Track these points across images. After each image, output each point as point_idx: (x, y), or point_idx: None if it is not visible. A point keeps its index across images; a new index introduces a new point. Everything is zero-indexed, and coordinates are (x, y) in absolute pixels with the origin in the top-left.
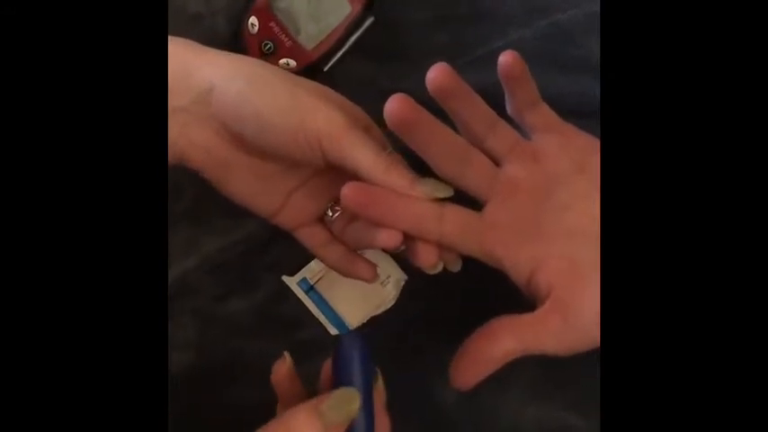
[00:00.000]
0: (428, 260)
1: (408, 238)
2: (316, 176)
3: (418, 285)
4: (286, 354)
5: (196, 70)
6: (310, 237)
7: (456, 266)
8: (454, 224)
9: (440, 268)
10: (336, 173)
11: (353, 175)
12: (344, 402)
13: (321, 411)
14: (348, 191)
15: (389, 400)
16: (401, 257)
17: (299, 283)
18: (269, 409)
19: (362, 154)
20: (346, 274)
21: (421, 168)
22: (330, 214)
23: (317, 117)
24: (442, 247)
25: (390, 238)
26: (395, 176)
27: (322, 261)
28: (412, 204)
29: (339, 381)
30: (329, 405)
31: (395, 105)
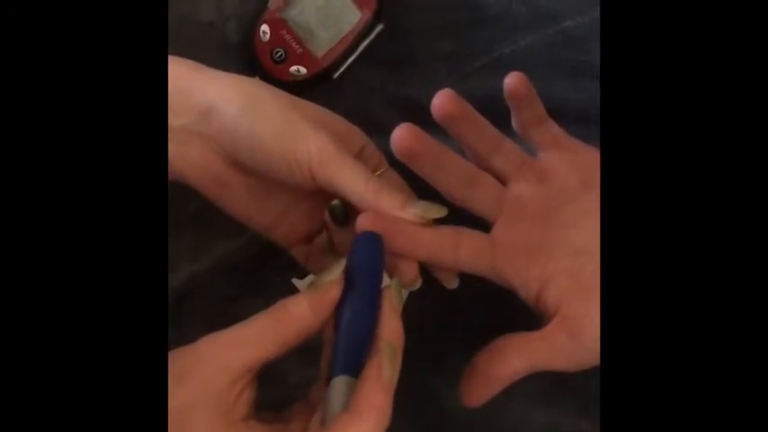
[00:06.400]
0: (409, 275)
1: (391, 253)
2: (310, 198)
3: (426, 290)
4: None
5: (197, 90)
6: (305, 255)
7: (453, 284)
8: (469, 249)
9: (418, 285)
10: (330, 195)
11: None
12: (331, 269)
13: (313, 282)
14: (364, 221)
15: (395, 403)
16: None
17: (308, 286)
18: (281, 410)
19: (351, 179)
20: None
21: (424, 184)
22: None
23: (309, 142)
24: (453, 270)
25: (409, 273)
26: (385, 200)
27: None
28: (429, 234)
29: (349, 275)
30: (319, 274)
31: (401, 135)
